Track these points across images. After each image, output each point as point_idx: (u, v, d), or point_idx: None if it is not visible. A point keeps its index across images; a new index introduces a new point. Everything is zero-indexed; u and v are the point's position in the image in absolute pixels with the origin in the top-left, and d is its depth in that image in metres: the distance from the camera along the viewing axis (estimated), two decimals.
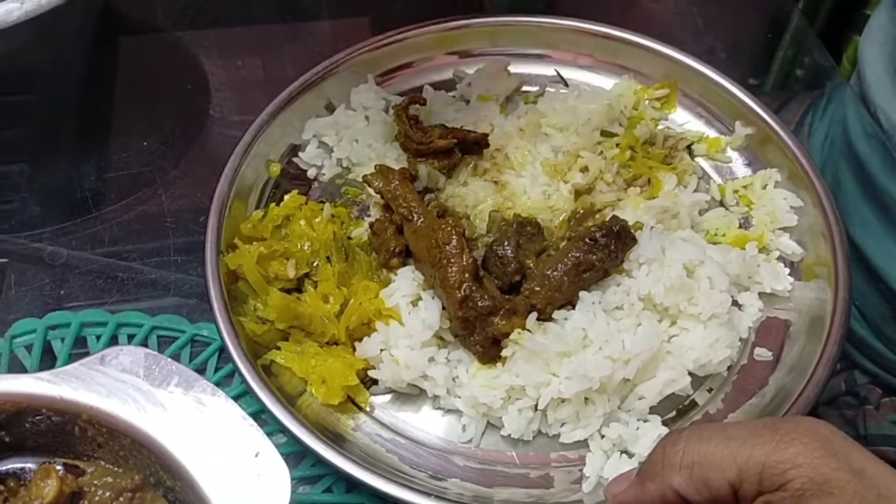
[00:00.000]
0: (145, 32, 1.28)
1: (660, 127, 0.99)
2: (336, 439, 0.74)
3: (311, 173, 0.97)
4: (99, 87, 1.15)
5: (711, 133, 0.99)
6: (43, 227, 0.97)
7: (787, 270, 0.88)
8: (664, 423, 0.78)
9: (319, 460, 0.72)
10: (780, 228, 0.90)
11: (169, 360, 0.64)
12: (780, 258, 0.89)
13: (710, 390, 0.82)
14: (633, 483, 0.62)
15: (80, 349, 0.85)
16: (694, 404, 0.81)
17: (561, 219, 0.89)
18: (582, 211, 0.89)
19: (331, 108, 1.00)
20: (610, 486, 0.66)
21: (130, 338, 0.86)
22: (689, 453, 0.56)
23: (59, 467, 0.66)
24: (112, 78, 1.16)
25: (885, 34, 1.07)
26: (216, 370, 0.84)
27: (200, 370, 0.84)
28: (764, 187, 0.92)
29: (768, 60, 1.31)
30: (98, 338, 0.86)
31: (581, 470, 0.76)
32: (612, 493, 0.65)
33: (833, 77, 1.18)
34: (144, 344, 0.85)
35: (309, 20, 1.32)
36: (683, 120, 1.01)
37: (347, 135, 0.97)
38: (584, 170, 0.92)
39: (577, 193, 0.91)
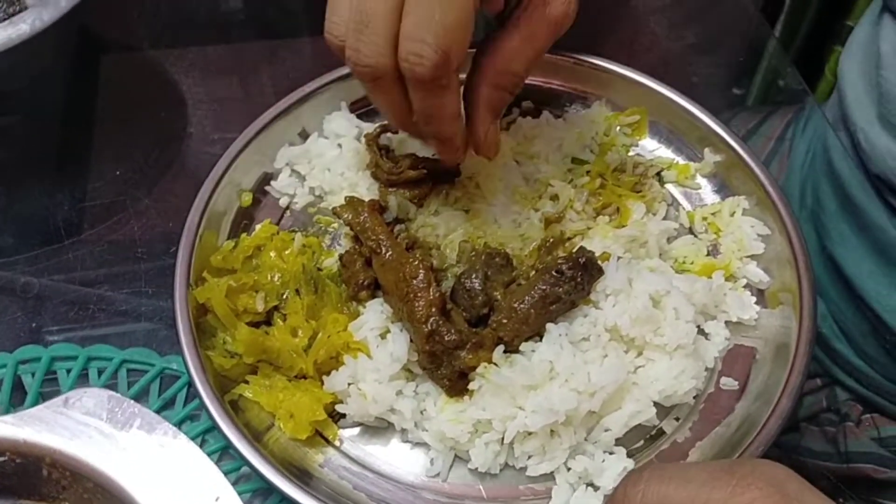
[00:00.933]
0: (124, 52, 1.29)
1: (630, 153, 1.00)
2: (303, 476, 0.75)
3: (283, 202, 0.97)
4: (77, 113, 1.15)
5: (681, 160, 1.00)
6: (16, 256, 0.98)
7: (754, 299, 0.88)
8: (632, 452, 0.79)
9: (285, 498, 0.72)
10: (748, 256, 0.91)
11: (132, 402, 0.65)
12: (747, 286, 0.90)
13: (677, 419, 0.82)
14: None
15: (50, 384, 0.86)
16: (661, 433, 0.82)
17: (532, 247, 0.90)
18: (552, 240, 0.89)
19: (305, 136, 1.01)
20: None
21: (101, 371, 0.86)
22: (648, 495, 0.57)
23: None
24: (91, 102, 1.17)
25: (865, 52, 1.08)
26: (185, 403, 0.84)
27: (170, 404, 0.85)
28: (732, 214, 0.93)
29: (753, 69, 1.32)
30: (68, 371, 0.86)
31: (548, 503, 0.76)
32: None
33: (804, 101, 1.19)
34: (114, 376, 0.86)
35: (288, 38, 1.32)
36: (653, 146, 1.01)
37: (320, 163, 0.98)
38: (555, 198, 0.93)
39: (547, 222, 0.91)
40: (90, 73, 1.20)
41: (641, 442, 0.81)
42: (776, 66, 1.32)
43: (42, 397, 0.84)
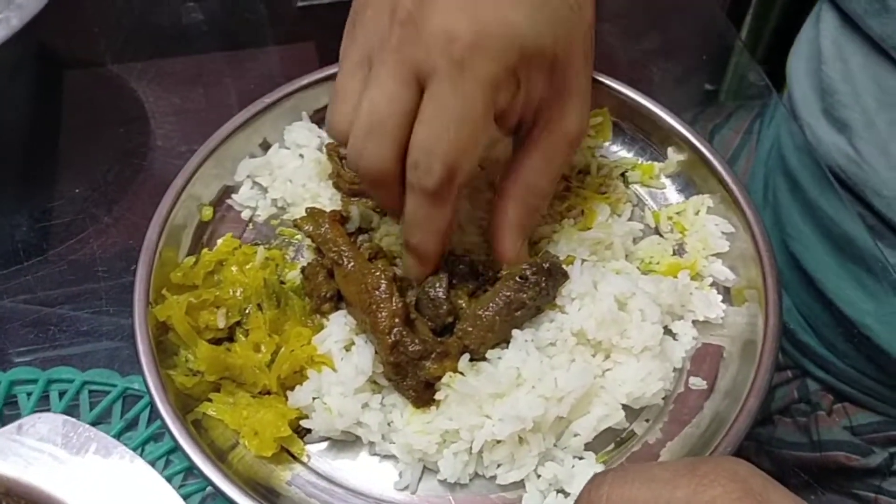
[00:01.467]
0: (85, 68, 1.27)
1: (594, 155, 0.99)
2: (269, 495, 0.73)
3: (245, 215, 0.96)
4: (36, 129, 1.14)
5: (645, 160, 0.99)
6: None
7: (720, 297, 0.88)
8: (603, 456, 0.79)
9: None
10: (713, 254, 0.90)
11: (87, 426, 0.63)
12: (713, 284, 0.89)
13: (647, 420, 0.82)
14: None
15: (10, 405, 0.84)
16: (632, 435, 0.81)
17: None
18: None
19: (266, 147, 0.99)
20: None
21: (62, 394, 0.85)
22: (613, 497, 0.56)
23: None
24: (51, 118, 1.15)
25: (811, 49, 1.08)
26: (149, 423, 0.83)
27: (133, 424, 0.83)
28: (696, 213, 0.93)
29: (724, 66, 1.32)
30: (29, 395, 0.84)
31: None
32: None
33: (767, 97, 1.19)
34: (76, 399, 0.84)
35: (251, 47, 1.31)
36: (617, 148, 1.01)
37: (281, 174, 0.96)
38: None
39: None
40: (51, 90, 1.19)
41: (612, 445, 0.80)
42: (747, 62, 1.33)
43: (2, 422, 0.82)
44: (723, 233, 0.91)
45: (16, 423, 0.64)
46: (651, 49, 1.32)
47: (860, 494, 1.08)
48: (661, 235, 0.94)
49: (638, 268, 0.89)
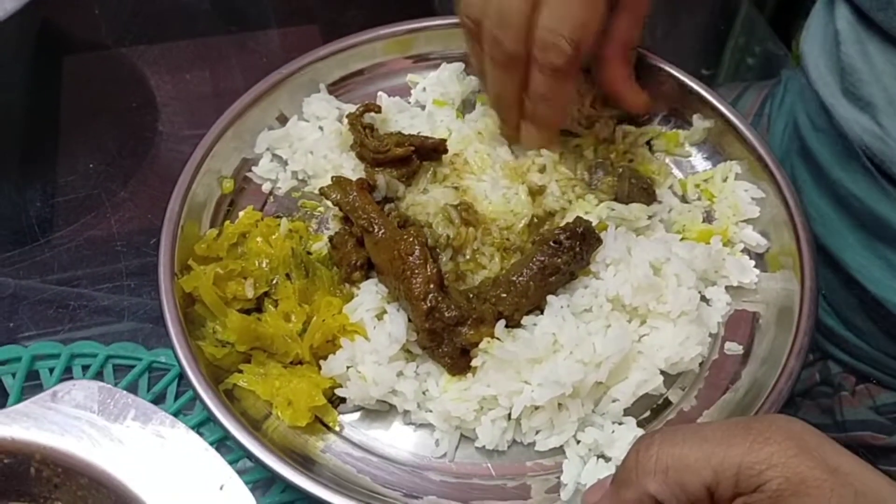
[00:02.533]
0: (88, 50, 1.25)
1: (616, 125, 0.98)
2: (305, 462, 0.72)
3: (265, 188, 0.94)
4: (42, 108, 1.12)
5: (668, 129, 0.98)
6: None
7: (753, 262, 0.87)
8: (639, 424, 0.77)
9: (289, 486, 0.69)
10: (744, 220, 0.89)
11: (124, 392, 0.62)
12: (744, 250, 0.88)
13: (682, 388, 0.81)
14: (609, 492, 0.61)
15: (32, 383, 0.82)
16: (668, 403, 0.80)
17: (522, 224, 0.87)
18: (537, 219, 0.87)
19: (283, 120, 0.98)
20: (586, 495, 0.66)
21: (85, 369, 0.83)
22: (662, 457, 0.56)
23: None
24: (55, 98, 1.13)
25: (824, 33, 1.08)
26: (177, 397, 0.81)
27: (160, 398, 0.81)
28: (725, 180, 0.92)
29: (719, 51, 1.31)
30: (51, 371, 0.82)
31: (558, 477, 0.74)
32: (588, 501, 0.64)
33: (786, 65, 1.18)
34: (100, 374, 0.83)
35: (256, 30, 1.29)
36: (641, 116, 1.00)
37: (301, 146, 0.95)
38: (543, 169, 0.91)
39: (532, 194, 0.89)
40: (54, 71, 1.16)
41: (648, 413, 0.79)
42: (743, 45, 1.32)
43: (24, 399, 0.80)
44: (753, 198, 0.90)
45: (50, 391, 0.62)
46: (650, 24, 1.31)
47: (887, 471, 1.08)
48: (689, 203, 0.92)
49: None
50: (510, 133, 0.92)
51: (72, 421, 0.61)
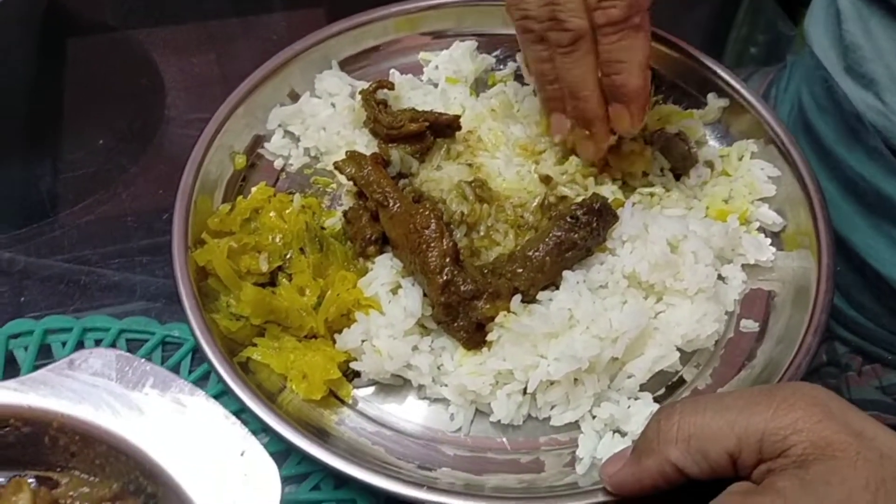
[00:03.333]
0: (95, 32, 1.24)
1: None
2: (320, 435, 0.72)
3: (278, 164, 0.94)
4: (49, 88, 1.11)
5: (682, 107, 0.98)
6: None
7: (769, 241, 0.87)
8: (654, 400, 0.77)
9: (305, 458, 0.69)
10: (760, 199, 0.89)
11: (143, 360, 0.61)
12: (760, 229, 0.88)
13: (697, 366, 0.81)
14: (629, 461, 0.61)
15: (44, 359, 0.82)
16: (682, 381, 0.80)
17: (536, 202, 0.87)
18: (550, 201, 0.86)
19: (294, 97, 0.97)
20: (605, 466, 0.65)
21: (97, 343, 0.83)
22: (684, 426, 0.56)
23: (31, 480, 0.62)
24: (62, 79, 1.12)
25: (826, 10, 1.08)
26: (190, 372, 0.81)
27: (174, 372, 0.81)
28: (740, 158, 0.91)
29: (723, 41, 1.31)
30: (63, 344, 0.82)
31: (572, 453, 0.74)
32: (607, 472, 0.64)
33: (792, 48, 1.18)
34: (113, 348, 0.82)
35: (263, 13, 1.28)
36: (654, 96, 0.99)
37: (314, 123, 0.94)
38: (559, 161, 0.90)
39: (543, 179, 0.88)
40: (60, 53, 1.16)
41: (663, 390, 0.79)
42: (746, 35, 1.31)
43: None
44: (769, 177, 0.89)
45: (67, 359, 0.61)
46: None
47: None
48: (704, 182, 0.92)
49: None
50: (595, 143, 0.85)
51: (90, 388, 0.60)
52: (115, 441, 0.59)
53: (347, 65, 1.00)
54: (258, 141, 0.94)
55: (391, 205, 0.80)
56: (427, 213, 0.77)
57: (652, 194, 0.89)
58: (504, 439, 0.76)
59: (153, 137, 1.05)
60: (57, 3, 1.24)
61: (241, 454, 0.57)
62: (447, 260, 0.75)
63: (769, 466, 0.53)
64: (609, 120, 0.83)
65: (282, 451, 0.74)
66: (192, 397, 0.60)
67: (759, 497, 0.52)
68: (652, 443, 0.57)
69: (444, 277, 0.74)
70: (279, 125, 0.95)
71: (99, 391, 0.60)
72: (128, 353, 0.61)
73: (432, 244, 0.76)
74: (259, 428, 0.71)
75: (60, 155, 1.01)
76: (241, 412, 0.73)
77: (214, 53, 1.22)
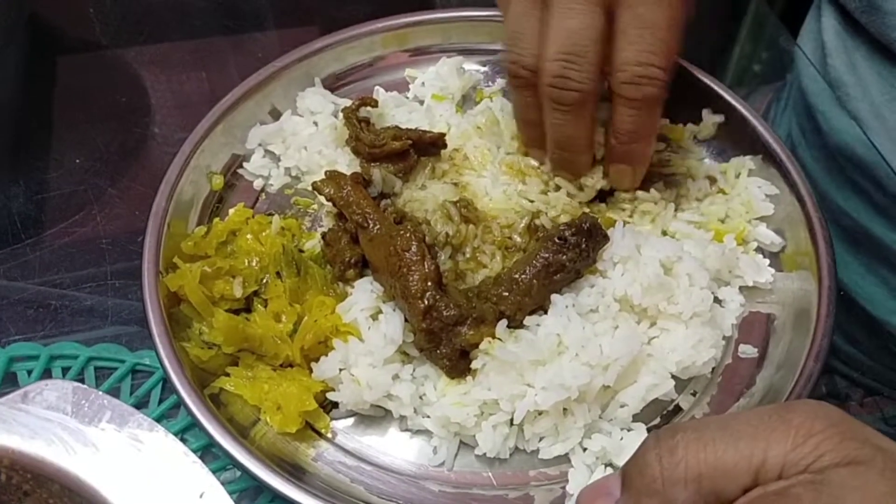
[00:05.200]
0: (82, 50, 1.22)
1: None
2: (295, 471, 0.68)
3: (257, 184, 0.90)
4: (32, 107, 1.08)
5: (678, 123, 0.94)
6: None
7: (768, 262, 0.83)
8: (649, 430, 0.73)
9: (277, 496, 0.65)
10: (757, 218, 0.86)
11: (100, 393, 0.57)
12: (758, 249, 0.84)
13: (693, 394, 0.77)
14: (622, 501, 0.55)
15: (10, 387, 0.78)
16: (678, 410, 0.76)
17: (524, 222, 0.83)
18: (537, 222, 0.83)
19: (276, 115, 0.94)
20: (584, 502, 0.57)
21: (65, 371, 0.79)
22: (693, 464, 0.49)
23: None
24: (47, 98, 1.09)
25: (815, 41, 1.06)
26: (161, 401, 0.77)
27: (143, 402, 0.77)
28: (737, 176, 0.88)
29: (726, 59, 1.28)
30: (29, 373, 0.78)
31: (563, 487, 0.70)
32: None
33: (793, 67, 1.15)
34: (81, 377, 0.78)
35: (253, 30, 1.26)
36: None
37: (295, 142, 0.91)
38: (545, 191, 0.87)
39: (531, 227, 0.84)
40: (49, 72, 1.13)
41: (658, 419, 0.75)
42: (750, 52, 1.29)
43: None
44: (766, 195, 0.86)
45: (20, 391, 0.57)
46: None
47: None
48: (699, 200, 0.88)
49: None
50: (578, 175, 0.84)
51: (43, 423, 0.56)
52: (69, 480, 0.55)
53: (331, 82, 0.98)
54: (237, 161, 0.91)
55: (371, 226, 0.77)
56: (408, 234, 0.73)
57: (646, 212, 0.85)
58: (490, 474, 0.72)
59: (135, 157, 1.02)
60: (44, 22, 1.21)
61: (201, 496, 0.53)
62: (429, 284, 0.71)
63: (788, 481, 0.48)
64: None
65: (254, 487, 0.71)
66: (150, 433, 0.56)
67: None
68: (654, 483, 0.50)
69: (426, 302, 0.71)
70: (259, 144, 0.92)
71: (53, 426, 0.56)
72: (84, 386, 0.57)
73: (413, 267, 0.72)
74: (230, 464, 0.68)
75: (34, 175, 0.98)
76: (211, 446, 0.69)
77: (204, 72, 1.19)
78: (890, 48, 0.91)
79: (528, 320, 0.74)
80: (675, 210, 0.86)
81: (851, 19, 0.97)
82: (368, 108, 0.90)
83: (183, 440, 0.74)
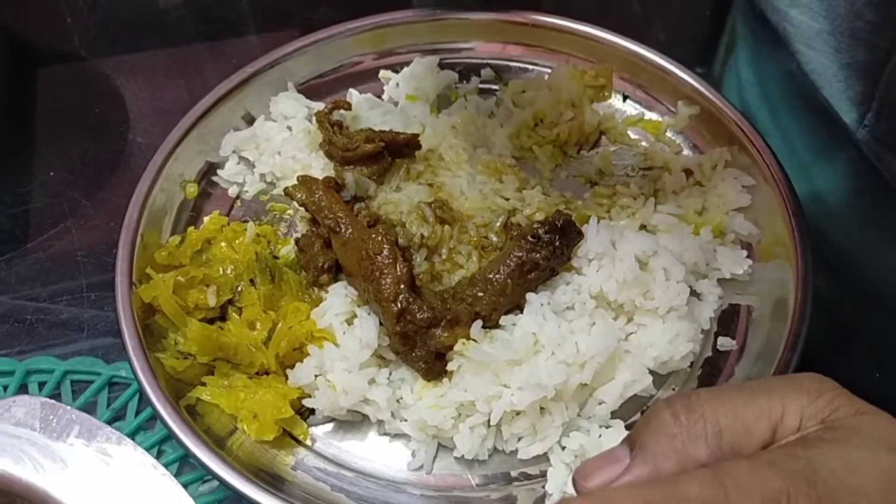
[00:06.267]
0: (63, 61, 1.21)
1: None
2: (274, 481, 0.68)
3: (232, 191, 0.90)
4: (10, 120, 1.07)
5: (651, 116, 0.94)
6: None
7: (745, 253, 0.83)
8: (628, 427, 0.73)
9: None
10: (734, 209, 0.85)
11: (68, 408, 0.57)
12: (735, 240, 0.84)
13: (673, 388, 0.76)
14: (635, 466, 0.47)
15: None
16: None
17: (500, 221, 0.83)
18: (513, 220, 0.82)
19: (249, 120, 0.94)
20: (586, 478, 0.49)
21: (41, 386, 0.78)
22: (712, 419, 0.45)
23: None
24: (26, 111, 1.09)
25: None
26: (137, 413, 0.77)
27: (120, 415, 0.77)
28: (713, 168, 0.87)
29: (714, 44, 1.27)
30: (5, 388, 0.78)
31: (544, 486, 0.70)
32: (595, 482, 0.48)
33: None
34: (57, 391, 0.78)
35: (231, 36, 1.25)
36: (620, 103, 0.96)
37: (269, 147, 0.91)
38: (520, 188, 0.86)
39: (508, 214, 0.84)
40: (29, 84, 1.12)
41: (637, 415, 0.75)
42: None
43: None
44: (743, 186, 0.85)
45: None
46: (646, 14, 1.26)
47: None
48: (675, 193, 0.88)
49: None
50: None
51: (11, 440, 0.56)
52: (38, 497, 0.54)
53: (305, 86, 0.97)
54: (211, 168, 0.91)
55: (343, 230, 0.76)
56: (379, 238, 0.73)
57: (624, 206, 0.85)
58: (470, 475, 0.71)
59: (111, 168, 1.01)
60: (21, 33, 1.21)
61: None
62: (402, 287, 0.71)
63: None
64: None
65: (233, 498, 0.70)
66: (119, 447, 0.55)
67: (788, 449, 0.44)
68: (673, 441, 0.46)
69: (399, 305, 0.70)
70: (233, 151, 0.91)
71: (21, 443, 0.56)
72: (52, 401, 0.57)
73: (386, 270, 0.72)
74: (208, 474, 0.68)
75: (8, 188, 0.97)
76: (188, 457, 0.69)
77: (182, 79, 1.19)
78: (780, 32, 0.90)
79: (503, 320, 0.73)
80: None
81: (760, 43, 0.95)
82: (342, 112, 0.90)
83: (160, 452, 0.75)
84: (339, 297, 0.76)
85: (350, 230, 0.76)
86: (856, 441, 0.43)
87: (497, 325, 0.73)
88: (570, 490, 0.67)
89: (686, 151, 0.92)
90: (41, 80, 1.14)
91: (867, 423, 0.44)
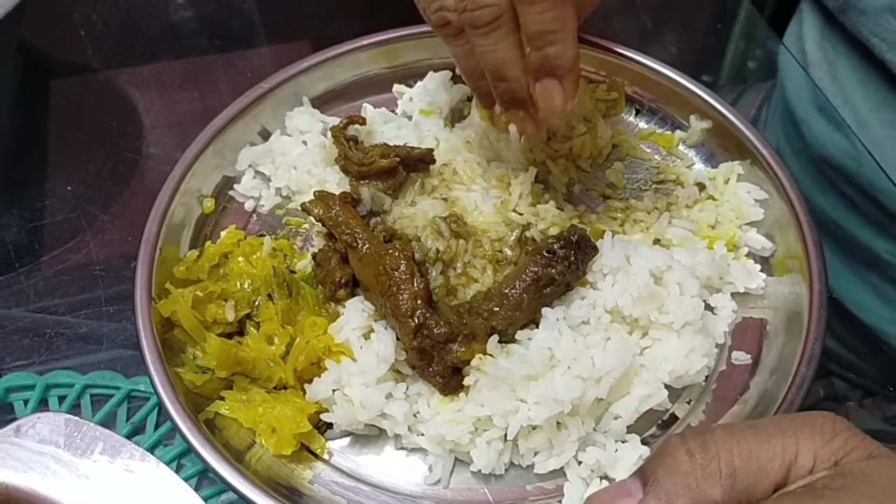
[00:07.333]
0: (76, 74, 1.22)
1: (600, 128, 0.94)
2: (291, 495, 0.68)
3: (248, 206, 0.91)
4: (25, 134, 1.09)
5: (665, 130, 0.95)
6: None
7: (759, 267, 0.83)
8: (643, 441, 0.73)
9: None
10: (748, 223, 0.86)
11: (92, 424, 0.58)
12: (749, 255, 0.84)
13: (689, 402, 0.77)
14: (649, 501, 0.48)
15: (6, 416, 0.78)
16: (674, 418, 0.76)
17: (515, 235, 0.83)
18: (527, 234, 0.83)
19: (266, 135, 0.95)
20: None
21: (61, 399, 0.79)
22: (727, 457, 0.47)
23: None
24: (41, 124, 1.10)
25: (798, 48, 1.06)
26: (157, 426, 0.77)
27: (140, 428, 0.78)
28: (726, 182, 0.88)
29: (721, 56, 1.28)
30: (25, 402, 0.79)
31: (560, 501, 0.70)
32: None
33: (779, 67, 1.15)
34: (77, 405, 0.79)
35: (245, 48, 1.26)
36: (632, 116, 0.96)
37: (284, 162, 0.91)
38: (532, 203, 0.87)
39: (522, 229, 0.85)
40: (37, 91, 1.14)
41: (654, 429, 0.75)
42: (744, 48, 1.29)
43: None
44: (756, 200, 0.86)
45: (13, 425, 0.58)
46: (654, 28, 1.27)
47: None
48: (688, 207, 0.89)
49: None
50: (533, 118, 0.80)
51: (36, 457, 0.57)
52: None
53: (320, 101, 0.98)
54: (228, 183, 0.92)
55: (360, 246, 0.77)
56: (396, 253, 0.74)
57: (638, 221, 0.86)
58: (486, 490, 0.72)
59: (126, 181, 1.03)
60: (35, 46, 1.22)
61: None
62: (418, 302, 0.72)
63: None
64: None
65: None
66: (142, 463, 0.56)
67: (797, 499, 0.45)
68: (687, 479, 0.47)
69: (416, 321, 0.71)
70: (249, 165, 0.92)
71: (46, 459, 0.57)
72: (76, 418, 0.58)
73: (402, 286, 0.72)
74: (225, 488, 0.68)
75: (27, 203, 0.98)
76: (207, 471, 0.69)
77: (196, 91, 1.20)
78: (869, 49, 0.91)
79: (519, 334, 0.74)
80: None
81: (831, 24, 0.97)
82: (356, 126, 0.91)
83: (180, 466, 0.75)
84: (356, 312, 0.76)
85: (367, 245, 0.77)
86: (866, 490, 0.44)
87: (513, 340, 0.74)
88: None
89: (698, 165, 0.93)
90: (55, 93, 1.15)
91: (879, 470, 0.45)
